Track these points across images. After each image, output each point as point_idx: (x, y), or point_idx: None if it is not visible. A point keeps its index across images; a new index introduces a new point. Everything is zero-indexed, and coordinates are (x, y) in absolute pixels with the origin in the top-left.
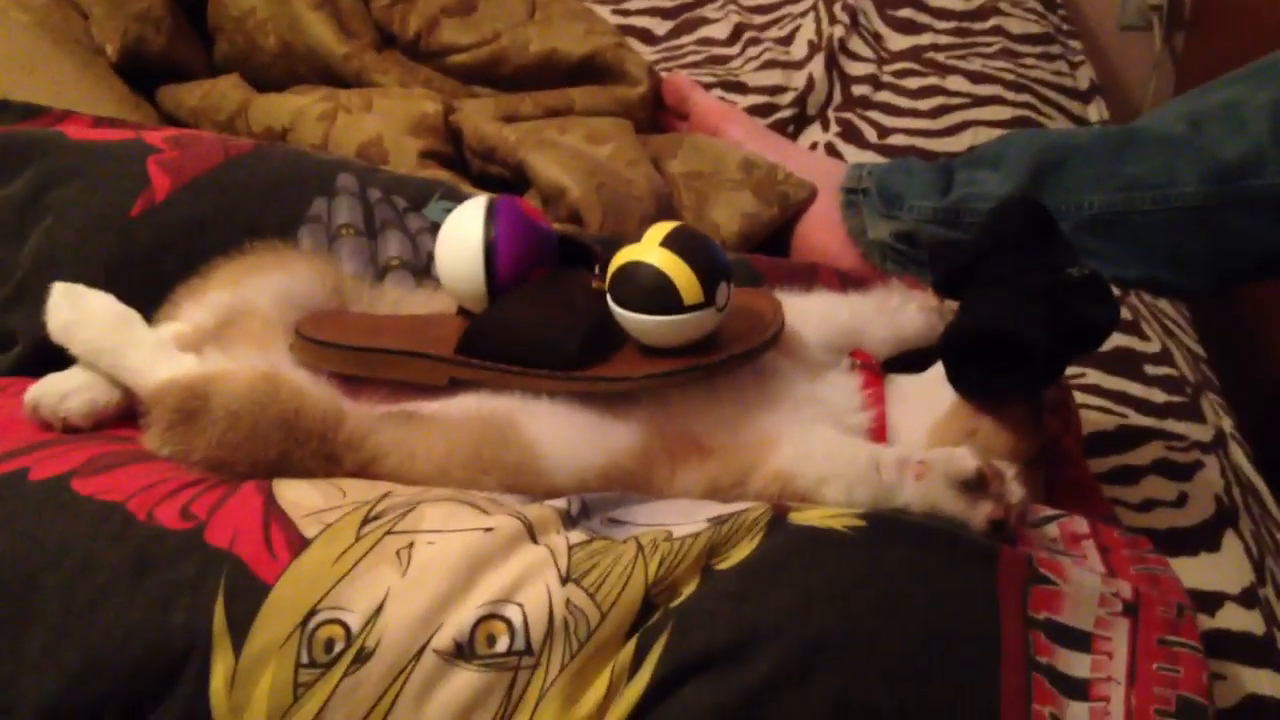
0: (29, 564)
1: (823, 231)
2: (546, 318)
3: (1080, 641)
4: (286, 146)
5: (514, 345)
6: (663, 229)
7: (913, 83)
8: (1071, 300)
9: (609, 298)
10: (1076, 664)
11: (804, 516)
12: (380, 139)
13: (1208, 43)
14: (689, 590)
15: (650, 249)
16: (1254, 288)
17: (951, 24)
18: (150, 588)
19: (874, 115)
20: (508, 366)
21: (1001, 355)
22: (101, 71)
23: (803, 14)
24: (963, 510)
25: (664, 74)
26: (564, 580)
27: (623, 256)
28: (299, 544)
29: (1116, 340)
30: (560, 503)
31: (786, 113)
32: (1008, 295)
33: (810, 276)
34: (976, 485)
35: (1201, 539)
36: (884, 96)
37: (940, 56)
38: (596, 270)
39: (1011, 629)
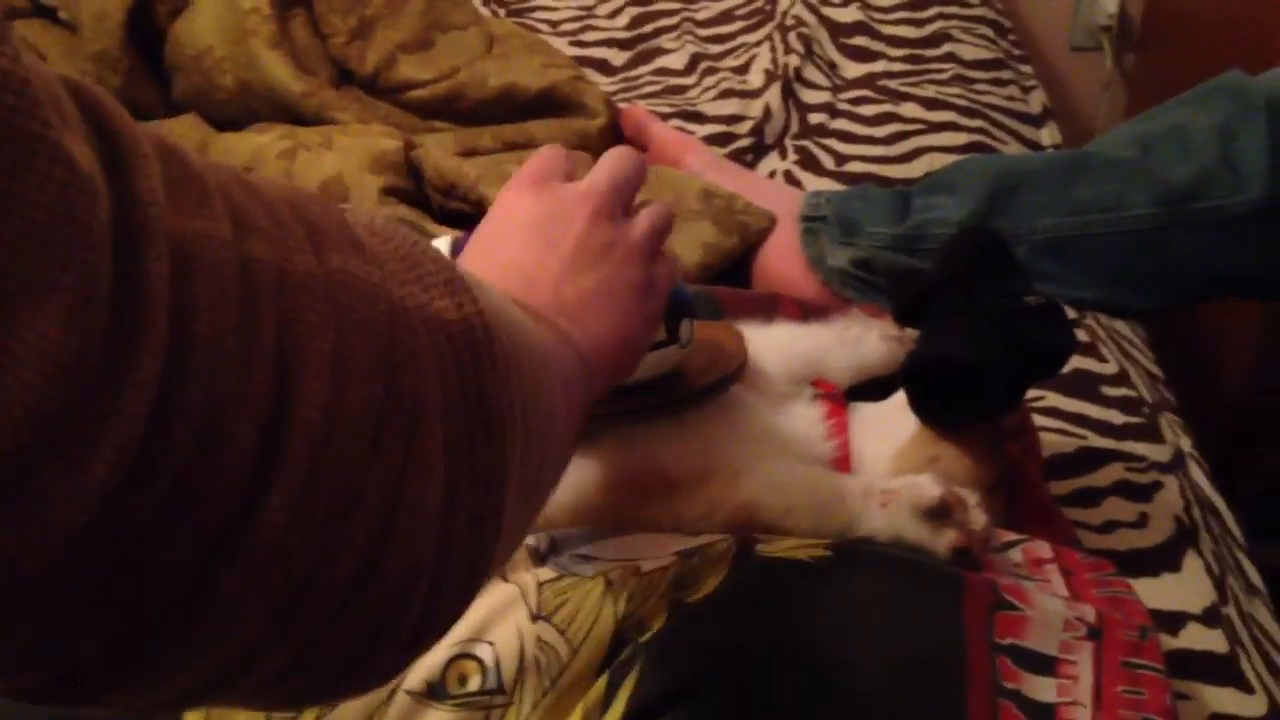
0: None
1: (783, 260)
2: None
3: (1046, 666)
4: None
5: None
6: None
7: (868, 110)
8: (1028, 327)
9: None
10: (1043, 689)
11: (770, 548)
12: (341, 177)
13: (1158, 62)
14: (658, 624)
15: None
16: (1208, 306)
17: (904, 51)
18: None
19: (831, 143)
20: None
21: (960, 382)
22: None
23: (758, 43)
24: (927, 538)
25: (622, 105)
26: (534, 618)
27: None
28: None
29: (1074, 362)
30: (529, 539)
31: (745, 141)
32: (965, 323)
33: (771, 307)
34: (940, 513)
35: (1163, 559)
36: (840, 124)
37: (894, 84)
38: None
39: (978, 656)
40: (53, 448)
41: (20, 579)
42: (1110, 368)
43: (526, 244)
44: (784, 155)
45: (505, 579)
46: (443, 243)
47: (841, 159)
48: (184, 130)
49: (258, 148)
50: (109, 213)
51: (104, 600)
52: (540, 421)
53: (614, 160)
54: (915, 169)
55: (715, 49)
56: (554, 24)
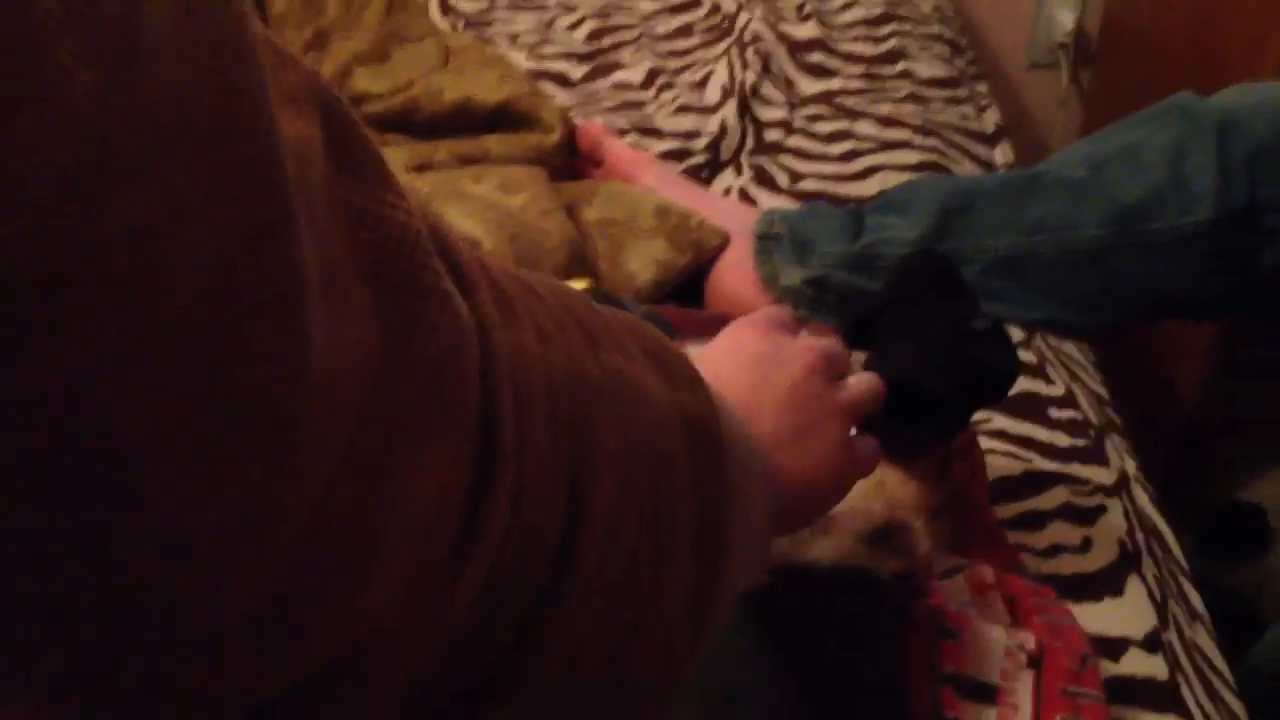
0: None
1: (736, 278)
2: None
3: (986, 694)
4: None
5: None
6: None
7: (824, 127)
8: (974, 350)
9: None
10: (983, 718)
11: None
12: None
13: (1114, 78)
14: None
15: None
16: (1155, 327)
17: (861, 68)
18: None
19: (786, 160)
20: None
21: (907, 405)
22: None
23: (716, 59)
24: (870, 564)
25: (577, 120)
26: None
27: None
28: None
29: (1023, 384)
30: None
31: (700, 158)
32: (912, 346)
33: (721, 328)
34: (883, 538)
35: (1105, 584)
36: (796, 141)
37: (850, 101)
38: None
39: (919, 686)
40: (436, 580)
41: (395, 691)
42: (1057, 389)
43: (746, 371)
44: (739, 172)
45: None
46: None
47: (796, 176)
48: None
49: None
50: (478, 353)
51: (439, 693)
52: (740, 533)
53: (827, 339)
54: (869, 187)
55: (673, 64)
56: (513, 37)
